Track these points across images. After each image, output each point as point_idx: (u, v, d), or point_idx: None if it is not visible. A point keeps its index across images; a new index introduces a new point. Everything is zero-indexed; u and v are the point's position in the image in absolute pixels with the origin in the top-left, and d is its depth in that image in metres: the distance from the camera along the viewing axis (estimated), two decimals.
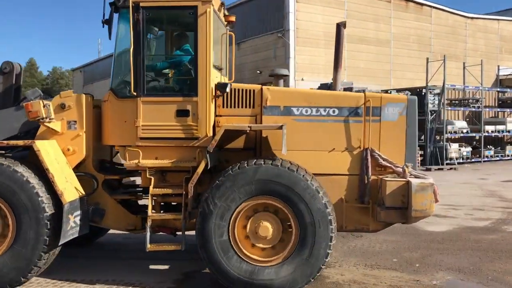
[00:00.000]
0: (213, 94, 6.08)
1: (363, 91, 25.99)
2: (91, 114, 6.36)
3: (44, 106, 5.91)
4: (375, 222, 6.16)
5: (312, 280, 5.73)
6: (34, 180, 5.77)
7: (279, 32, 32.30)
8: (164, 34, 7.11)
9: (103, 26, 6.14)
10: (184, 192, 5.85)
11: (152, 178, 6.04)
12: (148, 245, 5.77)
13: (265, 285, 5.60)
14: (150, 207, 5.90)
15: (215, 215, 5.61)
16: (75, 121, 6.28)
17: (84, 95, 6.32)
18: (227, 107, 6.28)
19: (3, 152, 6.30)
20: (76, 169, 6.37)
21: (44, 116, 5.90)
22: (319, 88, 28.72)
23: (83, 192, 6.15)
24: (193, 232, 5.85)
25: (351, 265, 7.08)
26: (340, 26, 6.62)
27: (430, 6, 34.53)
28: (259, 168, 5.63)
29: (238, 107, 6.28)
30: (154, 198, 6.19)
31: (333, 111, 6.20)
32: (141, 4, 5.98)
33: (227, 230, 5.65)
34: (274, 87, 6.57)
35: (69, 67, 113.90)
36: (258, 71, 33.90)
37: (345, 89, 27.02)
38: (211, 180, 5.89)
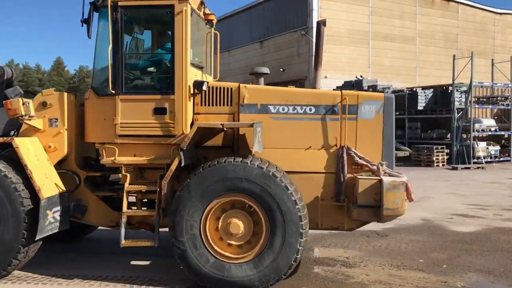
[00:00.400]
0: (190, 92, 6.16)
1: (388, 88, 25.79)
2: (74, 112, 6.53)
3: (23, 104, 6.10)
4: (350, 220, 6.14)
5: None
6: (13, 176, 5.93)
7: (302, 29, 32.30)
8: (150, 32, 7.31)
9: (82, 25, 6.28)
10: (158, 189, 5.94)
11: (128, 175, 6.18)
12: (123, 241, 5.89)
13: (274, 269, 5.59)
14: (125, 204, 6.01)
15: (190, 250, 5.66)
16: (56, 119, 6.44)
17: (66, 94, 6.48)
18: (205, 105, 6.35)
19: None
20: (59, 165, 6.55)
21: (23, 113, 6.09)
22: (343, 85, 28.68)
23: (64, 189, 6.31)
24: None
25: (377, 265, 7.01)
26: (320, 25, 6.65)
27: (457, 2, 33.95)
28: (189, 186, 5.64)
29: (216, 105, 6.34)
30: (134, 195, 6.35)
31: (310, 109, 6.21)
32: (120, 4, 6.11)
33: (208, 252, 5.68)
34: (252, 85, 6.59)
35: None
36: (281, 69, 33.95)
37: (369, 87, 26.93)
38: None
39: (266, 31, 36.58)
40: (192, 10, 6.37)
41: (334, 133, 6.17)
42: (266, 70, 6.86)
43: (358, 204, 5.83)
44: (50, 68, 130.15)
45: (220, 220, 5.80)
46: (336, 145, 6.16)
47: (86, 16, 6.21)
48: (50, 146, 6.41)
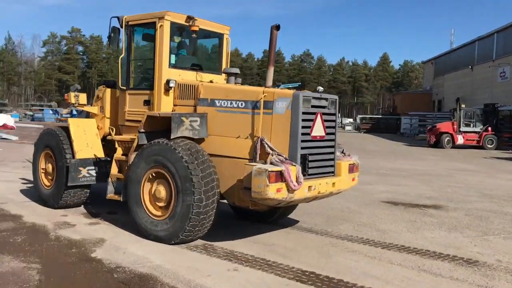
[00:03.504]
0: (166, 88, 7.71)
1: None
2: (114, 103, 8.90)
3: (74, 96, 8.81)
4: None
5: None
6: (65, 143, 8.75)
7: None
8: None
9: (108, 41, 8.50)
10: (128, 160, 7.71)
11: (118, 148, 8.16)
12: (108, 195, 7.95)
13: (176, 228, 6.93)
14: (113, 168, 8.04)
15: (133, 205, 7.40)
16: (102, 107, 8.91)
17: (108, 89, 8.85)
18: (180, 99, 7.79)
19: None
20: None
21: (73, 102, 8.83)
22: None
23: (102, 155, 8.71)
24: None
25: None
26: (272, 29, 7.34)
27: None
28: (135, 160, 7.36)
29: (185, 99, 7.72)
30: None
31: (241, 104, 7.02)
32: (130, 23, 8.14)
33: (143, 208, 7.32)
34: (207, 83, 7.69)
35: (420, 60, 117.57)
36: None
37: None
38: None
39: None
40: (178, 24, 7.95)
41: (256, 125, 6.83)
42: (236, 70, 8.00)
43: (243, 186, 6.50)
44: (376, 64, 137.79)
45: (153, 186, 7.28)
46: (256, 136, 6.81)
47: (109, 37, 8.49)
48: (99, 126, 8.94)
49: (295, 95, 6.67)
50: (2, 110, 52.81)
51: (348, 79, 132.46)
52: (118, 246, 6.90)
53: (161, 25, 7.80)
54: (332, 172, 7.36)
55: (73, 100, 8.98)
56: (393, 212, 10.16)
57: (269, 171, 6.17)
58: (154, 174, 7.31)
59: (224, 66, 8.94)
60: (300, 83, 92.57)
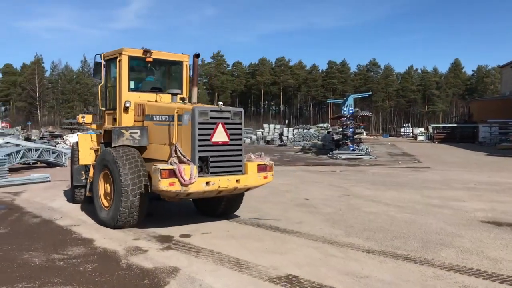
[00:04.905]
0: (124, 108, 9.99)
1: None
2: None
3: (82, 117, 11.52)
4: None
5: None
6: (76, 151, 11.45)
7: None
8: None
9: (93, 73, 11.10)
10: None
11: (96, 156, 10.69)
12: (87, 192, 10.64)
13: (113, 216, 9.22)
14: (91, 171, 10.57)
15: (95, 198, 9.89)
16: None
17: (101, 111, 11.33)
18: (137, 115, 10.04)
19: None
20: None
21: (80, 122, 11.59)
22: None
23: None
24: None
25: None
26: (194, 57, 9.67)
27: None
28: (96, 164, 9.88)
29: (139, 115, 9.94)
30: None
31: (166, 118, 9.08)
32: (105, 58, 10.60)
33: (99, 201, 9.74)
34: (151, 102, 9.86)
35: (495, 64, 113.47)
36: None
37: None
38: None
39: None
40: (133, 57, 10.28)
41: (173, 134, 8.77)
42: (177, 91, 10.09)
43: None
44: (447, 71, 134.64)
45: (105, 184, 9.57)
46: (173, 143, 8.72)
47: (94, 70, 11.06)
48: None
49: (192, 109, 8.58)
50: (79, 129, 58.29)
51: (418, 87, 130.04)
52: (193, 277, 6.28)
53: (120, 59, 10.20)
54: (240, 171, 9.08)
55: (80, 120, 11.90)
56: (499, 234, 8.82)
57: (160, 169, 8.13)
58: (104, 175, 9.66)
59: (184, 87, 11.03)
60: (370, 93, 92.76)
